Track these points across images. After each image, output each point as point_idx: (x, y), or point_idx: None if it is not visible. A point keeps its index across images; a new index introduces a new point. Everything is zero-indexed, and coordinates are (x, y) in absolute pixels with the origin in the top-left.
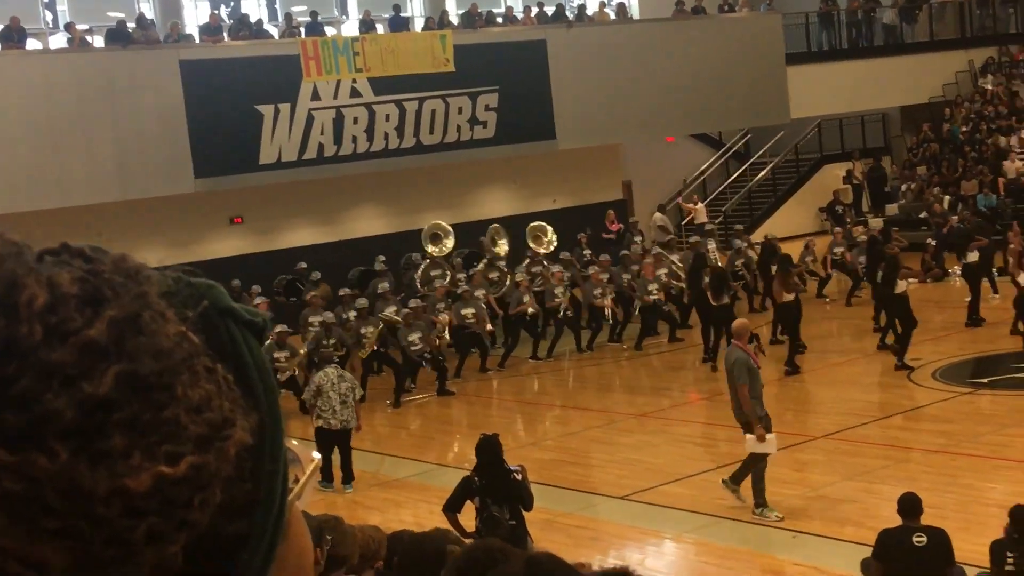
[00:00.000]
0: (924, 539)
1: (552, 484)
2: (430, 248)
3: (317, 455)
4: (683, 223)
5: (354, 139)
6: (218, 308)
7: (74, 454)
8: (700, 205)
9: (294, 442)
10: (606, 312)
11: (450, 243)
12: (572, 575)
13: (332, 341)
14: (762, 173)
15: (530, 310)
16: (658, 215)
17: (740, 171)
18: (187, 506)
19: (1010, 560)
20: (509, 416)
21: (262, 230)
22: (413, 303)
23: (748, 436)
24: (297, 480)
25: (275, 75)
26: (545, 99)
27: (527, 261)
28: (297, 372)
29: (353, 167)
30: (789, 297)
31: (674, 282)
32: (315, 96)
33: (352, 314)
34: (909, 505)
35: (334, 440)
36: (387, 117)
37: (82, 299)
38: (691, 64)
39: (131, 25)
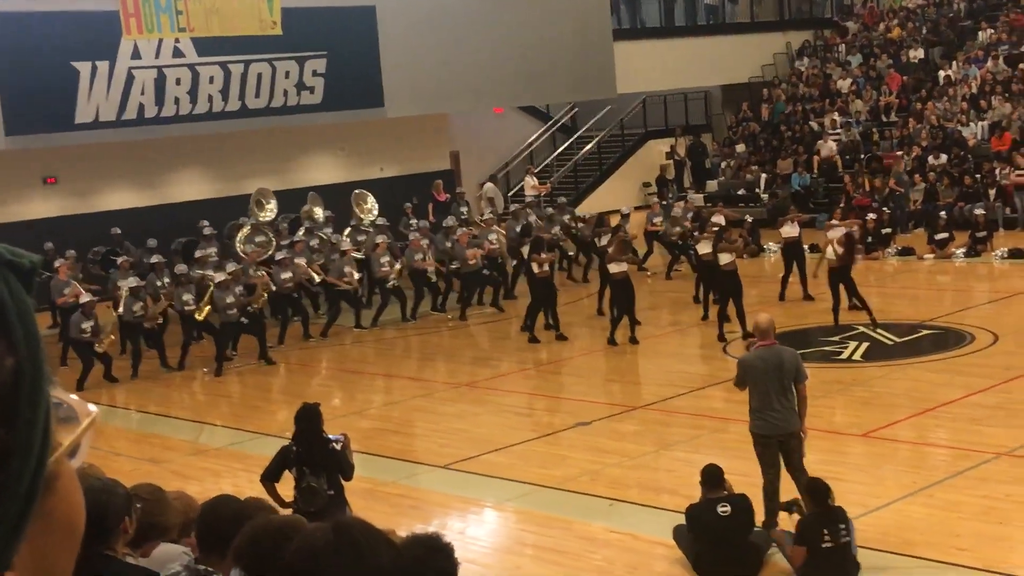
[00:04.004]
0: (728, 508)
1: (374, 453)
2: (257, 213)
3: (94, 408)
4: (509, 194)
5: (177, 100)
6: None
7: None
8: (530, 179)
9: (73, 396)
10: (429, 272)
11: (272, 208)
12: (380, 539)
13: (138, 306)
14: (588, 147)
15: (345, 282)
16: (488, 186)
17: (567, 144)
18: None
19: (826, 537)
20: (332, 385)
21: (78, 191)
22: (230, 267)
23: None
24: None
25: (93, 31)
26: (374, 66)
27: (348, 229)
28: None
29: (175, 129)
30: (619, 268)
31: (494, 247)
32: (136, 55)
33: (166, 280)
34: (711, 477)
35: None
36: (211, 79)
37: None
38: (520, 37)
39: None
